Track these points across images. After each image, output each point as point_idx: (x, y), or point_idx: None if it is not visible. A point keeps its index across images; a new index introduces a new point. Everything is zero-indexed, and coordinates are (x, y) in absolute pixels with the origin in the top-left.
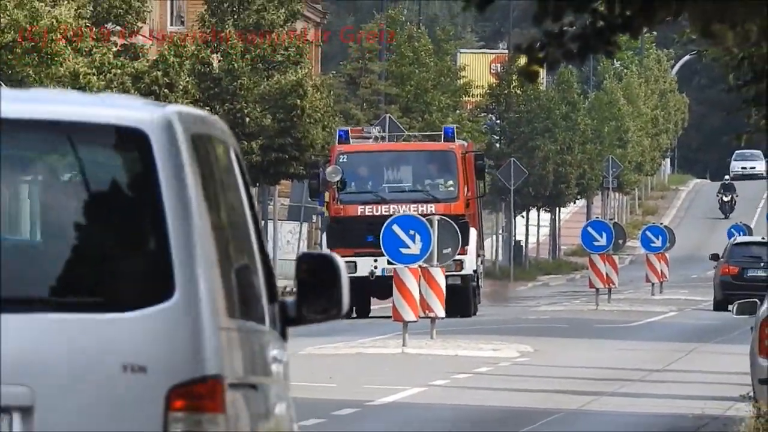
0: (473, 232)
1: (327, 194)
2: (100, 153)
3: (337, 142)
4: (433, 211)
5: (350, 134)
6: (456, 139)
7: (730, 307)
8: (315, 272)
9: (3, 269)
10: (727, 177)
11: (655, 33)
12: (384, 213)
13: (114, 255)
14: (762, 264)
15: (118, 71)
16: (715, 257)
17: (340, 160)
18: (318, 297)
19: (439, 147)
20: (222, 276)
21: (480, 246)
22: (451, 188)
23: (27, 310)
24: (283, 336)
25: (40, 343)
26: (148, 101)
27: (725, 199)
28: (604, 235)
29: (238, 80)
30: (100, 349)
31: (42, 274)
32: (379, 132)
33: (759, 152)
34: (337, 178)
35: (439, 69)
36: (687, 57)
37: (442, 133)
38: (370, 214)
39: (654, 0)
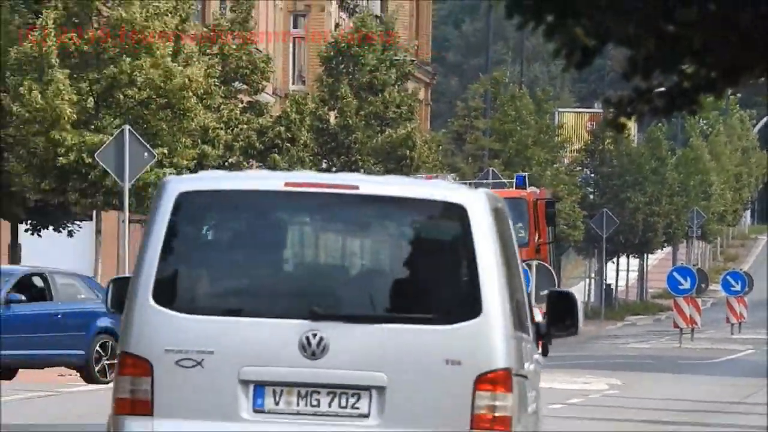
0: None
1: None
2: (435, 218)
3: None
4: None
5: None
6: (528, 187)
7: None
8: (558, 304)
9: (378, 295)
10: None
11: (739, 95)
12: None
13: (442, 285)
14: None
15: (245, 126)
16: None
17: None
18: (561, 320)
19: (511, 194)
20: (510, 302)
21: None
22: (521, 234)
23: (388, 321)
24: (537, 346)
25: (393, 344)
26: (464, 185)
27: None
28: (688, 279)
29: (352, 135)
30: (431, 349)
31: (398, 298)
32: (454, 179)
33: None
34: None
35: (539, 126)
36: None
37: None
38: None
39: (738, 64)
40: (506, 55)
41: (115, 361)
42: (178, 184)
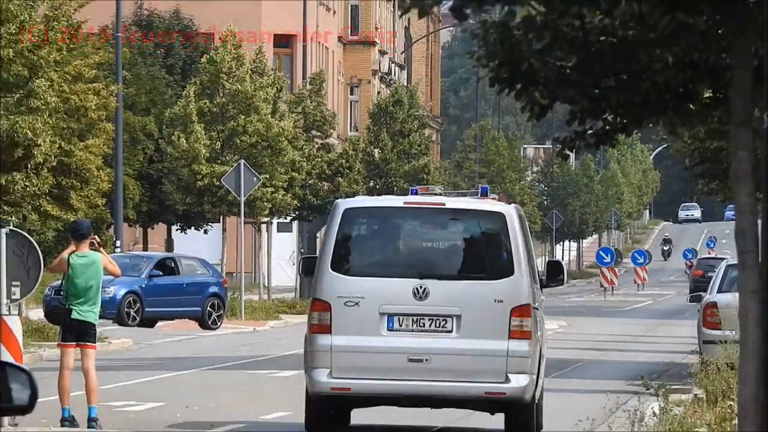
0: None
1: None
2: (487, 220)
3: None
4: None
5: (419, 191)
6: (489, 195)
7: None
8: (553, 267)
9: (456, 264)
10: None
11: (639, 134)
12: None
13: (492, 258)
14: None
15: (319, 159)
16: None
17: None
18: (555, 277)
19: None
20: (529, 267)
21: None
22: None
23: (462, 279)
24: (541, 291)
25: (464, 291)
26: (500, 200)
27: (665, 248)
28: (609, 255)
29: (389, 165)
30: (486, 294)
31: (467, 265)
32: (441, 190)
33: (696, 204)
34: None
35: (510, 157)
36: (660, 148)
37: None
38: None
39: (640, 116)
40: (488, 110)
41: (222, 314)
42: (344, 204)
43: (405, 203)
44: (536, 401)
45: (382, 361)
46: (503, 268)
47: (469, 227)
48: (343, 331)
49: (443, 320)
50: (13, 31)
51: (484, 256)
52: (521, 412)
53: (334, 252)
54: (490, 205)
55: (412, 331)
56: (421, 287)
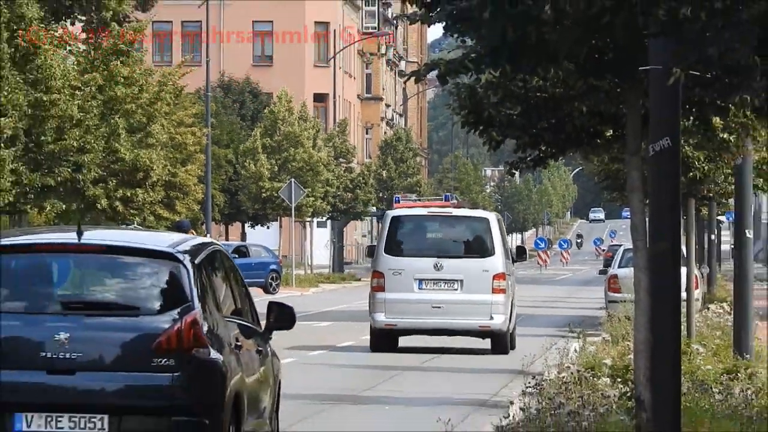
0: None
1: None
2: (477, 222)
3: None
4: None
5: (401, 198)
6: (450, 200)
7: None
8: (519, 250)
9: (460, 248)
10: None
11: (563, 159)
12: None
13: (481, 244)
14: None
15: (344, 178)
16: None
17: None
18: (521, 255)
19: (444, 204)
20: (504, 249)
21: None
22: None
23: (464, 257)
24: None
25: (466, 265)
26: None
27: (578, 241)
28: (543, 242)
29: (393, 181)
30: (479, 266)
31: (466, 249)
32: (415, 198)
33: (601, 209)
34: None
35: (475, 176)
36: (577, 169)
37: (443, 197)
38: None
39: (564, 148)
40: (460, 144)
41: (278, 283)
42: (391, 213)
43: (428, 212)
44: (510, 332)
45: (415, 308)
46: (488, 251)
47: (467, 226)
48: (392, 290)
49: (452, 283)
50: (136, 92)
51: (476, 243)
52: (500, 338)
53: (386, 242)
54: (478, 212)
55: (433, 289)
56: (438, 263)
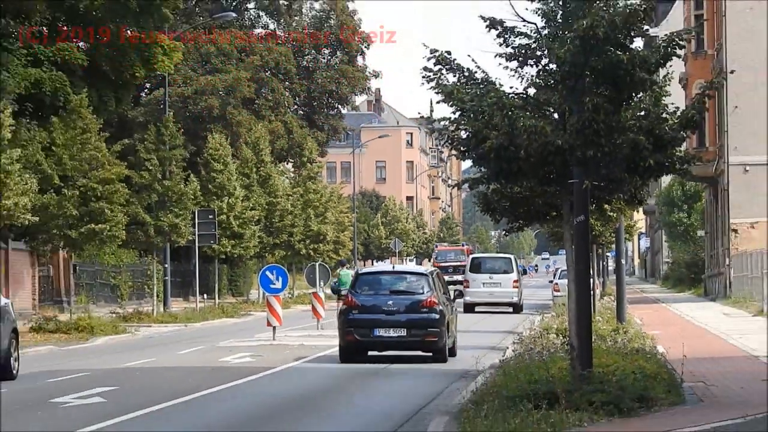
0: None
1: None
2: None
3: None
4: None
5: (439, 244)
6: (464, 245)
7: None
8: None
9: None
10: (541, 257)
11: (530, 227)
12: None
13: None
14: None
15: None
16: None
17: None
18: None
19: (461, 247)
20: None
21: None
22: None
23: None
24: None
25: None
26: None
27: (536, 266)
28: (523, 269)
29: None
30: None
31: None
32: (445, 244)
33: (547, 252)
34: None
35: (486, 236)
36: (538, 230)
37: (461, 244)
38: None
39: (531, 219)
40: (479, 218)
41: None
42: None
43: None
44: (520, 303)
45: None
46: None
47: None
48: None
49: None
50: (319, 196)
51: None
52: (515, 307)
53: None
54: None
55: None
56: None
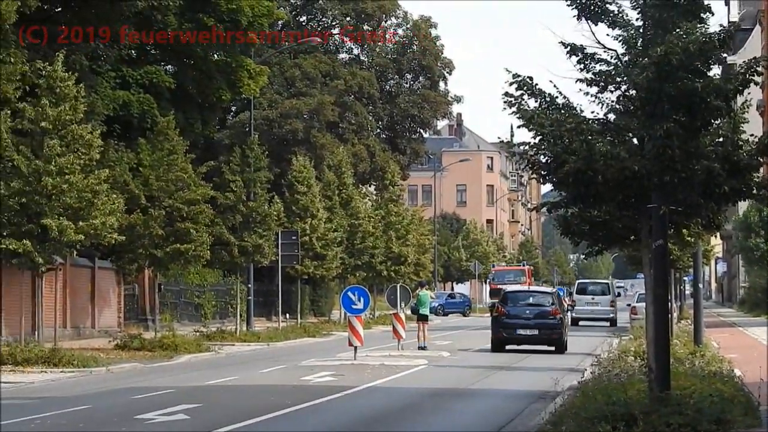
0: None
1: None
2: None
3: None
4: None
5: (497, 264)
6: (527, 265)
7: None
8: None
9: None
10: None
11: (609, 250)
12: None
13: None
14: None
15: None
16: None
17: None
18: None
19: (521, 268)
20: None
21: None
22: (523, 277)
23: None
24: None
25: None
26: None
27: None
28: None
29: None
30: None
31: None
32: (503, 264)
33: (621, 281)
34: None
35: (564, 259)
36: (616, 254)
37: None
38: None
39: (611, 243)
40: (557, 241)
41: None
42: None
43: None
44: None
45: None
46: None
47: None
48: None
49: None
50: (401, 219)
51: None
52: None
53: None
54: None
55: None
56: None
